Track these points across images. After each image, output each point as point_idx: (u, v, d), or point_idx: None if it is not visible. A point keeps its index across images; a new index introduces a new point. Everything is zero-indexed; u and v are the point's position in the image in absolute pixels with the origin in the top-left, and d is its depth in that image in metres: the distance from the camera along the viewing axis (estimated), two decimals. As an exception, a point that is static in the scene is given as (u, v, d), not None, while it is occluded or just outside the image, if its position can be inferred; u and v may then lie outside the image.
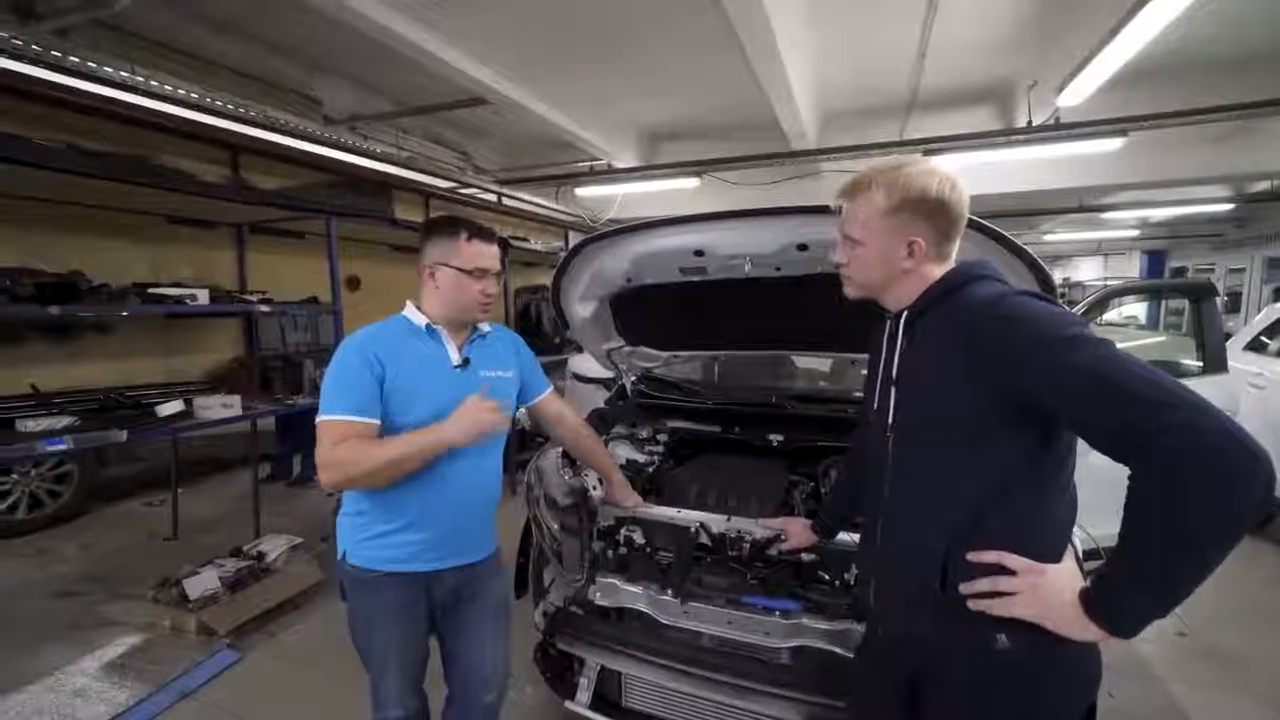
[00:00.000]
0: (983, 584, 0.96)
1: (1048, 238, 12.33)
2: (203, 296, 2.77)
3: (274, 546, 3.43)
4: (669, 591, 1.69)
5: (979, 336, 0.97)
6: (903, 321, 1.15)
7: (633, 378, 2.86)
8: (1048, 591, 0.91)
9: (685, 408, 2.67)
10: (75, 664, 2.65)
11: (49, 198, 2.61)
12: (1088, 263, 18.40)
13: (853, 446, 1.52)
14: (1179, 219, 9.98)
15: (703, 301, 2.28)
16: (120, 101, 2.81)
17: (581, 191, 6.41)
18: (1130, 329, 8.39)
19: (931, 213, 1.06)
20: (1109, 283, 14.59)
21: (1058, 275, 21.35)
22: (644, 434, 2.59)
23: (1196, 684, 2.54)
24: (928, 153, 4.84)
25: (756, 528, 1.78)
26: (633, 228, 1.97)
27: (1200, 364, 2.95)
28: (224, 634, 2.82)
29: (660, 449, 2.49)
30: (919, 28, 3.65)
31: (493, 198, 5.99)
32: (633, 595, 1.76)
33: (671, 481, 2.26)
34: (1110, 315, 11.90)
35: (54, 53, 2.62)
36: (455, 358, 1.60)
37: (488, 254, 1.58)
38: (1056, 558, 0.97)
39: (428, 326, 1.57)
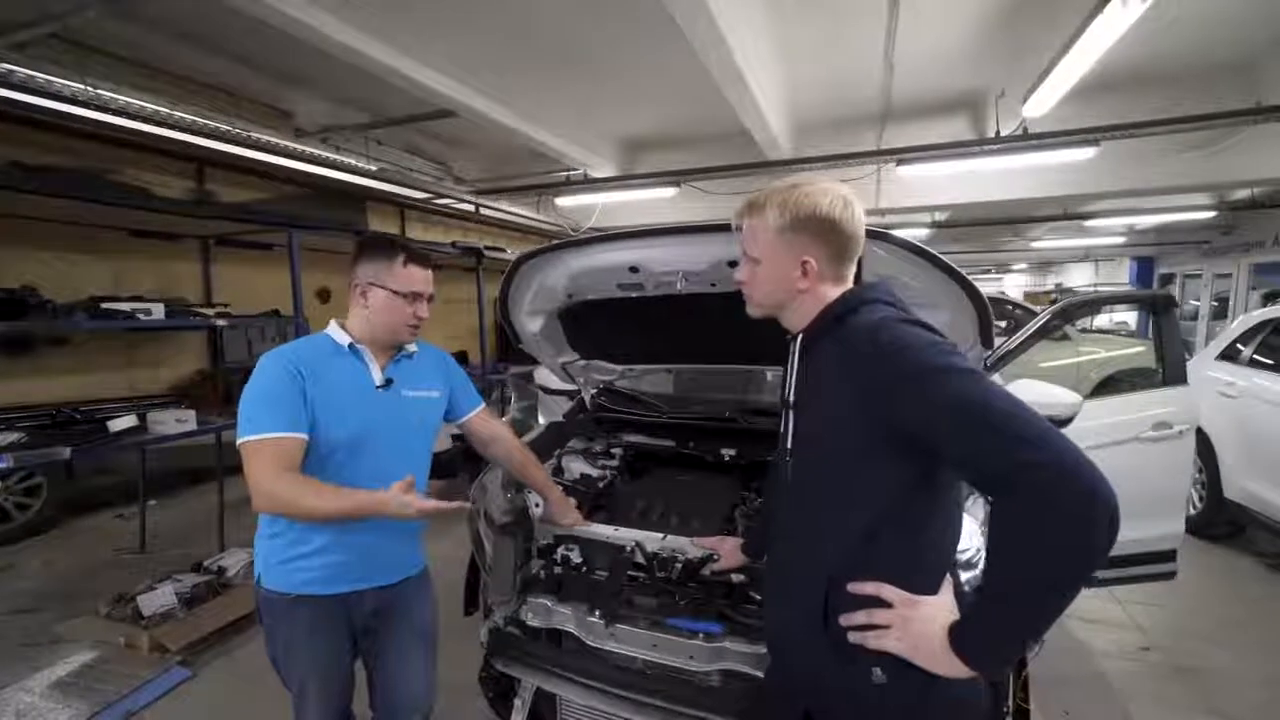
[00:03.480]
0: (859, 616, 0.94)
1: (1036, 244, 12.37)
2: (158, 311, 2.75)
3: (235, 561, 3.40)
4: (596, 613, 1.66)
5: (857, 366, 0.96)
6: (799, 345, 1.14)
7: (592, 391, 2.84)
8: (918, 625, 0.90)
9: (641, 422, 2.65)
10: (21, 682, 2.62)
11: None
12: (1079, 269, 18.45)
13: (770, 468, 1.51)
14: (1165, 226, 10.01)
15: (651, 316, 2.27)
16: (78, 117, 2.80)
17: (562, 201, 6.43)
18: (1117, 336, 8.39)
19: (822, 232, 1.05)
20: (1099, 288, 14.61)
21: (1050, 281, 21.42)
22: (598, 448, 2.57)
23: (1159, 700, 2.51)
24: (901, 162, 4.87)
25: (691, 547, 1.76)
26: (568, 244, 1.96)
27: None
28: (176, 652, 2.78)
29: (615, 463, 2.47)
30: (883, 37, 3.67)
31: (470, 207, 5.98)
32: (562, 616, 1.74)
33: (617, 498, 2.24)
34: (1101, 321, 11.91)
35: (7, 66, 2.63)
36: (378, 378, 1.58)
37: (423, 278, 1.58)
38: (935, 590, 0.96)
39: (350, 345, 1.56)
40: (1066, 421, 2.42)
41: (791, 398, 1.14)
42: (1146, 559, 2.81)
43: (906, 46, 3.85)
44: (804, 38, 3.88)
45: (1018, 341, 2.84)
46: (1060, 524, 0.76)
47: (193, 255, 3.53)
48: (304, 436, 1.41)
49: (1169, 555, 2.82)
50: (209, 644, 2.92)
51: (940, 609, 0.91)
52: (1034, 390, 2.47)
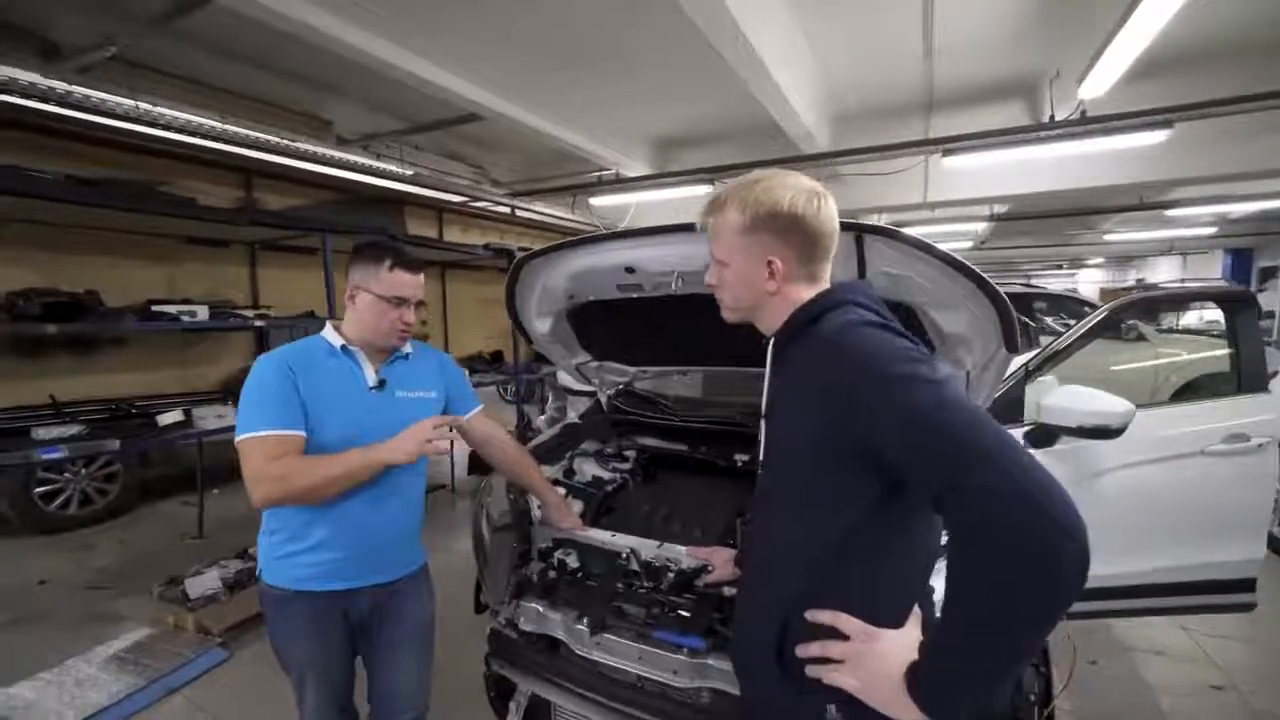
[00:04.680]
0: (813, 648, 0.86)
1: (1110, 237, 11.43)
2: (202, 313, 2.94)
3: (277, 550, 3.59)
4: (584, 621, 1.64)
5: (819, 373, 0.89)
6: (771, 350, 1.07)
7: (609, 392, 2.82)
8: (874, 662, 0.81)
9: (654, 425, 2.61)
10: (84, 654, 2.85)
11: (66, 223, 2.83)
12: (1163, 263, 16.96)
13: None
14: (1266, 214, 9.02)
15: (660, 317, 2.22)
16: (132, 132, 3.02)
17: (595, 201, 6.44)
18: (1206, 337, 7.62)
19: (785, 230, 0.97)
20: (1186, 284, 13.36)
21: (1130, 277, 19.77)
22: (610, 450, 2.55)
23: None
24: (947, 153, 4.59)
25: (686, 557, 1.70)
26: (566, 244, 1.93)
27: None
28: (217, 634, 2.97)
29: (627, 466, 2.44)
30: (920, 20, 3.46)
31: (506, 209, 6.08)
32: (553, 622, 1.72)
33: (623, 502, 2.20)
34: (1189, 319, 10.86)
35: (77, 89, 2.87)
36: (371, 379, 1.61)
37: (409, 283, 1.58)
38: (898, 623, 0.87)
39: (343, 347, 1.59)
40: (1117, 432, 2.21)
41: (763, 406, 1.08)
42: (1219, 587, 2.53)
43: (947, 28, 3.61)
44: (834, 26, 3.70)
45: (1065, 343, 2.62)
46: (1018, 558, 0.66)
47: (241, 260, 3.75)
48: (299, 434, 1.44)
49: (1247, 584, 2.52)
50: (247, 628, 3.08)
51: (901, 646, 0.81)
52: (1080, 397, 2.26)
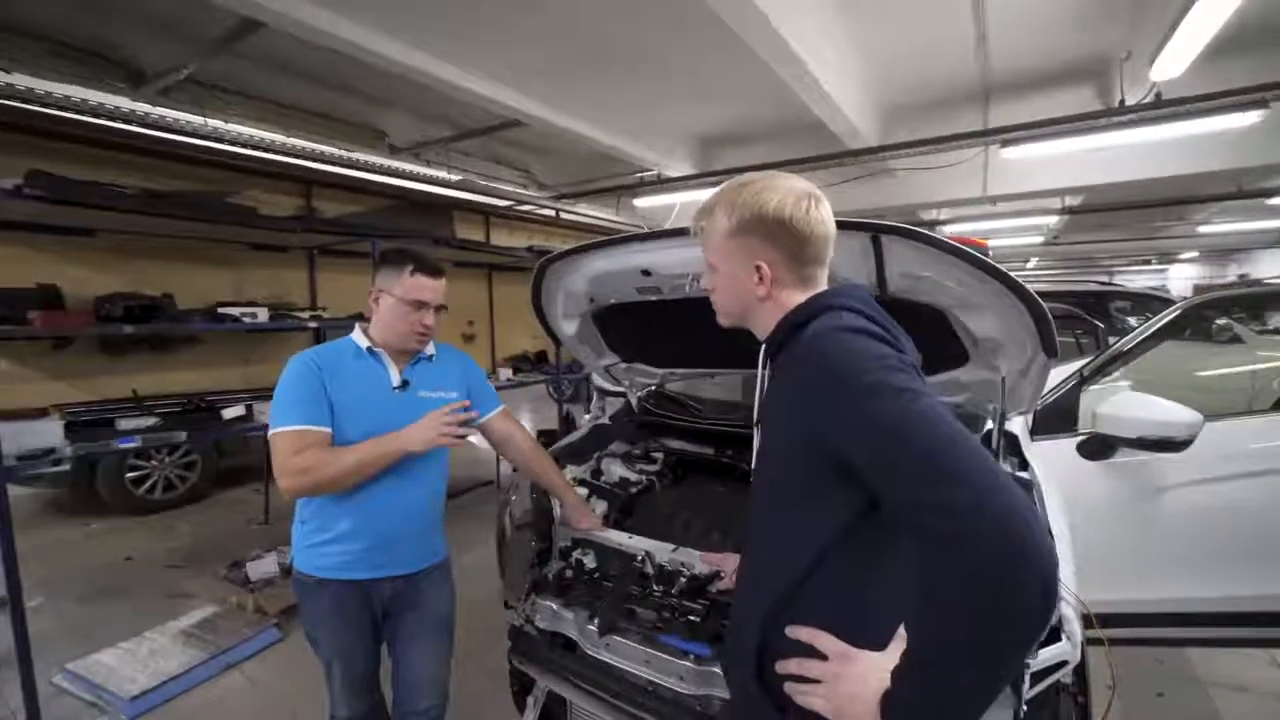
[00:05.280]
0: (791, 665, 0.83)
1: (1204, 229, 10.44)
2: (262, 314, 3.17)
3: (330, 537, 3.81)
4: (595, 621, 1.65)
5: (801, 379, 0.86)
6: (763, 356, 1.04)
7: (639, 394, 2.82)
8: (848, 685, 0.77)
9: (680, 426, 2.59)
10: (158, 627, 3.12)
11: (145, 232, 3.11)
12: (1270, 256, 15.32)
13: None
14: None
15: (680, 319, 2.20)
16: (202, 147, 3.29)
17: (640, 202, 6.46)
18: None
19: (772, 233, 0.95)
20: (1296, 280, 12.01)
21: (1230, 272, 17.96)
22: (638, 452, 2.55)
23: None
24: (1005, 143, 4.32)
25: (700, 562, 1.68)
26: (584, 247, 1.95)
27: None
28: (273, 615, 3.18)
29: (654, 468, 2.44)
30: (969, 7, 3.26)
31: (551, 212, 6.21)
32: (565, 621, 1.74)
33: (647, 504, 2.20)
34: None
35: (155, 110, 3.15)
36: (395, 379, 1.68)
37: (429, 288, 1.64)
38: (882, 644, 0.83)
39: (369, 349, 1.67)
40: (1183, 444, 2.03)
41: (756, 413, 1.05)
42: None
43: (1000, 11, 3.39)
44: (878, 14, 3.55)
45: (1128, 345, 2.42)
46: (978, 582, 0.62)
47: (301, 264, 3.99)
48: (325, 429, 1.52)
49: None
50: (298, 610, 3.28)
51: (879, 669, 0.76)
52: (1140, 405, 2.09)
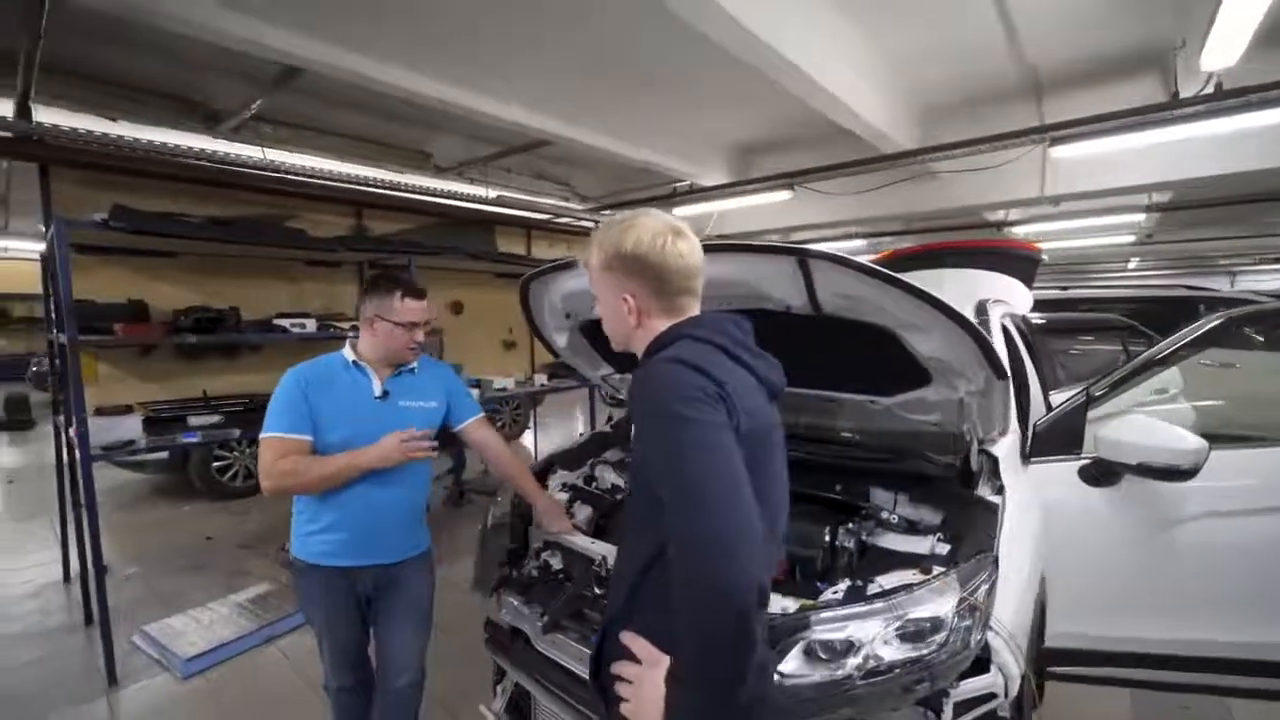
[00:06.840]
0: (616, 668, 0.91)
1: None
2: (310, 325, 3.53)
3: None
4: (543, 617, 1.76)
5: (636, 402, 0.94)
6: (633, 379, 1.13)
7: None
8: (648, 690, 0.82)
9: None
10: (221, 599, 3.55)
11: (213, 253, 3.57)
12: None
13: None
14: None
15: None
16: (264, 177, 3.74)
17: (678, 211, 6.54)
18: None
19: (633, 268, 1.03)
20: None
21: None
22: (630, 459, 2.64)
23: None
24: (1054, 141, 4.05)
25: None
26: (554, 267, 2.06)
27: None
28: (313, 596, 3.53)
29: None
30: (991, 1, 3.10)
31: (590, 223, 6.42)
32: (522, 616, 1.87)
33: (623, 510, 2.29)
34: None
35: (221, 147, 3.62)
36: (378, 390, 1.88)
37: (417, 309, 1.85)
38: None
39: (355, 363, 1.88)
40: (1188, 473, 1.88)
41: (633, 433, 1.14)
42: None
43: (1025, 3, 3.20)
44: (894, 16, 3.45)
45: (1142, 363, 2.24)
46: (689, 605, 0.69)
47: (351, 279, 4.39)
48: (305, 438, 1.74)
49: None
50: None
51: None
52: (1141, 429, 1.96)
